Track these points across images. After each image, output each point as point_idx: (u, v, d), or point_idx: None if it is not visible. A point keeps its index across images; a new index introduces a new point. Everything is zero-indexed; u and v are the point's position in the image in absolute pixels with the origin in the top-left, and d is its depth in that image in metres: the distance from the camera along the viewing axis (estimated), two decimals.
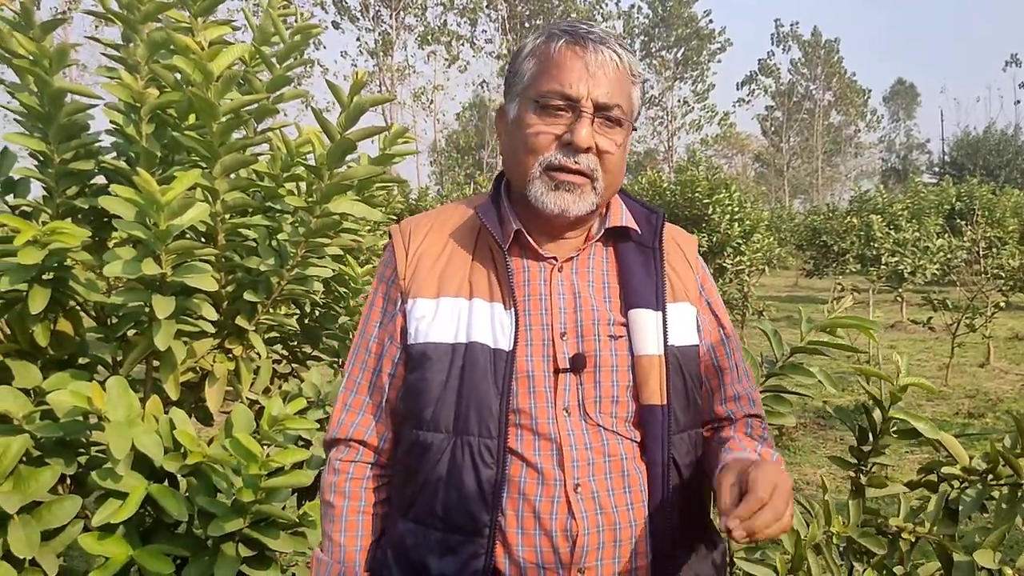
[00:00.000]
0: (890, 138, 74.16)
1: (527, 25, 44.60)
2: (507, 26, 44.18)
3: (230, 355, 2.50)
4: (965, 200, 22.46)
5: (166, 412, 2.22)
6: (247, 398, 2.51)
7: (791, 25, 60.98)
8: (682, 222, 14.21)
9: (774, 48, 61.31)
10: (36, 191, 2.51)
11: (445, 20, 40.32)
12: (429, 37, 39.81)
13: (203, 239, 2.43)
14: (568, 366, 1.41)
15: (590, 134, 1.40)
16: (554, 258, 1.48)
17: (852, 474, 2.29)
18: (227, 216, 2.37)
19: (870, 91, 65.17)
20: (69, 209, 2.40)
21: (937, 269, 14.64)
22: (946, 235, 16.60)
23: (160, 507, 2.09)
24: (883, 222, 16.02)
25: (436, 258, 1.49)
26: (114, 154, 2.51)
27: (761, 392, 2.19)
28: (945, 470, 2.13)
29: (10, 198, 2.44)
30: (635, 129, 1.51)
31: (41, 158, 2.37)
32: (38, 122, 2.32)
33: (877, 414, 2.24)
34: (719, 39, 54.09)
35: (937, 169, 50.34)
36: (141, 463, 2.12)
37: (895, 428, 2.23)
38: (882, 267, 14.42)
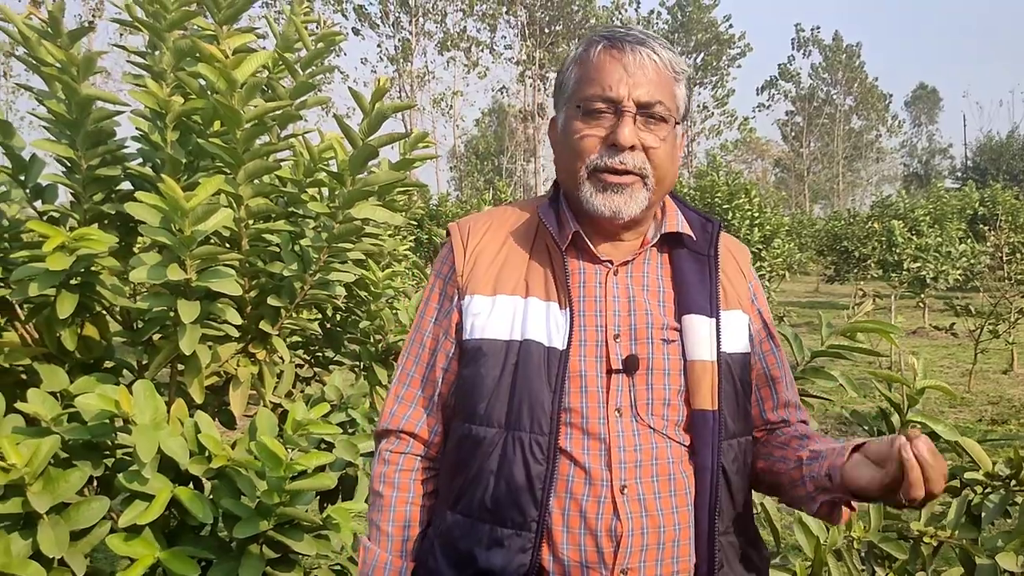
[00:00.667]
0: (912, 143, 73.70)
1: (546, 31, 44.64)
2: (526, 32, 44.23)
3: (254, 359, 2.52)
4: (988, 205, 22.29)
5: (191, 415, 2.25)
6: (270, 402, 2.53)
7: (812, 30, 60.79)
8: None
9: (794, 53, 60.96)
10: (63, 196, 2.55)
11: (465, 26, 40.46)
12: (449, 43, 39.94)
13: (227, 244, 2.45)
14: (621, 367, 1.42)
15: (633, 132, 1.41)
16: (610, 261, 1.50)
17: None
18: (251, 221, 2.40)
19: (891, 96, 64.82)
20: (96, 215, 2.44)
21: (960, 275, 14.53)
22: (969, 240, 16.49)
23: (185, 509, 2.12)
24: (905, 227, 15.93)
25: (494, 256, 1.52)
26: (139, 160, 2.55)
27: None
28: (968, 475, 2.13)
29: (39, 204, 2.48)
30: (678, 124, 1.51)
31: (69, 164, 2.41)
32: (66, 129, 2.35)
33: (895, 418, 2.24)
34: (739, 44, 53.98)
35: (960, 174, 50.00)
36: (167, 466, 2.15)
37: None
38: (904, 273, 14.33)
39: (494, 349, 1.44)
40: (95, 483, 2.33)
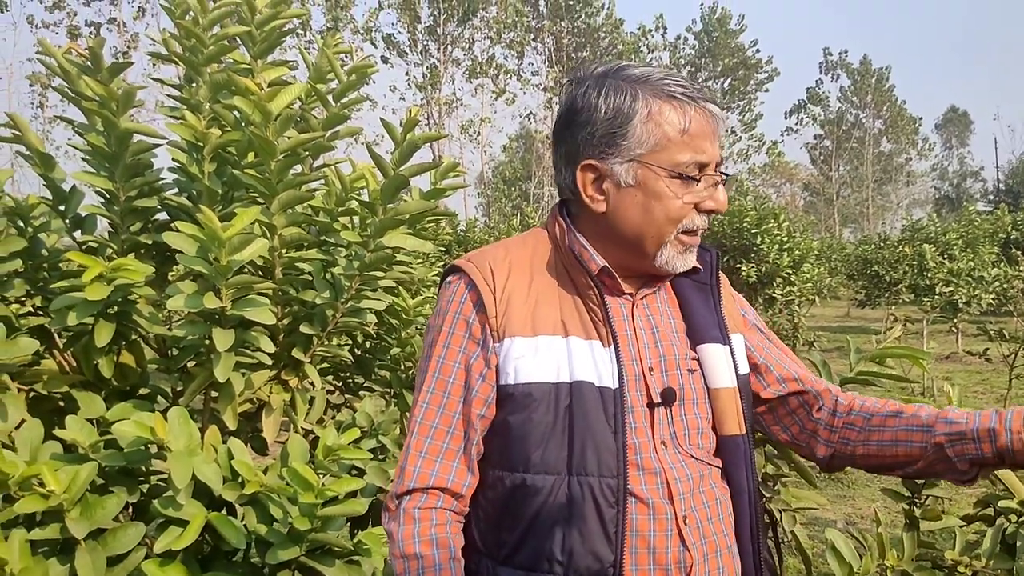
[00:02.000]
0: (943, 166, 73.13)
1: (573, 57, 44.84)
2: (553, 58, 44.48)
3: (286, 386, 2.56)
4: (1021, 228, 22.03)
5: (224, 442, 2.28)
6: (302, 428, 2.56)
7: (840, 54, 60.61)
8: (730, 252, 14.13)
9: (823, 76, 60.78)
10: (102, 226, 2.60)
11: (492, 53, 40.74)
12: (476, 70, 40.24)
13: (261, 273, 2.49)
14: (660, 400, 1.45)
15: (724, 197, 1.49)
16: (631, 294, 1.53)
17: (906, 507, 2.27)
18: (284, 250, 2.44)
19: (921, 119, 64.39)
20: (133, 245, 2.49)
21: (993, 299, 14.35)
22: (1002, 264, 16.29)
23: (219, 535, 2.14)
24: (936, 251, 15.78)
25: (526, 296, 1.47)
26: (176, 191, 2.60)
27: None
28: (1002, 504, 2.11)
29: (78, 234, 2.53)
30: None
31: (107, 196, 2.47)
32: (105, 161, 2.41)
33: None
34: (766, 68, 53.92)
35: (992, 197, 49.46)
36: (200, 492, 2.18)
37: None
38: (936, 297, 14.18)
39: (543, 393, 1.40)
40: (130, 509, 2.36)
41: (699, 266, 1.57)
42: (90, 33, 31.07)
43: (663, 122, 1.42)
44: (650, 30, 50.04)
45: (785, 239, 13.74)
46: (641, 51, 48.52)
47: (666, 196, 1.43)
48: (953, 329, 14.49)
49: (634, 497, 1.38)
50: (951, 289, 14.13)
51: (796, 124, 60.70)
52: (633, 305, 1.51)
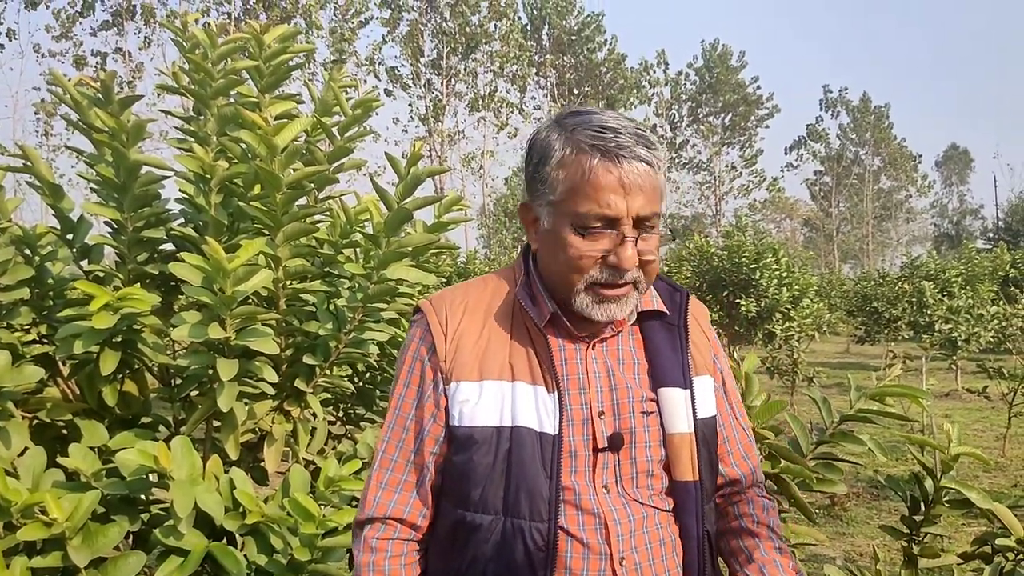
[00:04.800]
0: (943, 203, 73.33)
1: (575, 91, 45.19)
2: (556, 93, 44.82)
3: (288, 416, 2.57)
4: (1020, 267, 22.07)
5: (225, 471, 2.29)
6: (303, 458, 2.57)
7: (840, 91, 61.05)
8: (729, 287, 14.17)
9: (823, 113, 61.14)
10: (108, 256, 2.63)
11: (495, 87, 41.02)
12: (479, 104, 40.51)
13: (265, 304, 2.52)
14: (607, 445, 1.45)
15: (634, 254, 1.41)
16: (587, 336, 1.51)
17: (905, 544, 2.28)
18: (288, 282, 2.46)
19: (920, 156, 64.69)
20: (139, 274, 2.51)
21: (992, 337, 14.36)
22: (1001, 302, 16.31)
23: (219, 565, 2.15)
24: (936, 288, 15.81)
25: (476, 339, 1.50)
26: (182, 221, 2.63)
27: (811, 459, 2.20)
28: (1000, 542, 2.11)
29: (85, 263, 2.56)
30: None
31: (115, 226, 2.49)
32: (114, 192, 2.44)
33: (929, 483, 2.24)
34: (767, 105, 54.29)
35: (991, 235, 49.57)
36: (202, 521, 2.19)
37: (948, 498, 2.22)
38: (935, 334, 14.19)
39: (485, 436, 1.43)
40: (131, 538, 2.36)
41: (664, 310, 1.56)
42: (96, 63, 31.31)
43: (573, 171, 1.41)
44: (652, 66, 50.46)
45: (784, 274, 13.78)
46: (643, 86, 48.89)
47: (567, 246, 1.42)
48: (952, 366, 14.48)
49: (570, 536, 1.40)
50: (950, 326, 14.15)
51: (796, 160, 60.99)
52: (591, 348, 1.51)
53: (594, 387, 1.48)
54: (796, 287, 13.84)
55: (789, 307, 13.48)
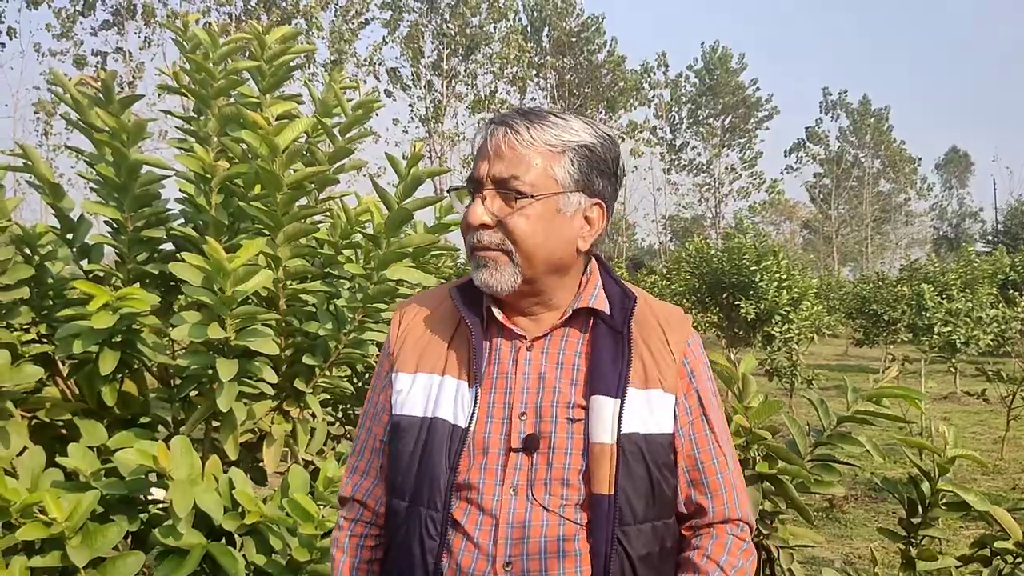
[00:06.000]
0: (942, 206, 73.33)
1: (575, 93, 45.21)
2: (556, 94, 44.84)
3: (288, 416, 2.57)
4: (1019, 270, 22.07)
5: (224, 472, 2.29)
6: (302, 459, 2.57)
7: (839, 93, 61.07)
8: (729, 289, 14.16)
9: (822, 116, 61.11)
10: (108, 255, 2.63)
11: (495, 88, 41.04)
12: (479, 105, 40.52)
13: (265, 304, 2.52)
14: (520, 446, 1.44)
15: (478, 212, 1.44)
16: (524, 336, 1.51)
17: (903, 547, 2.28)
18: (288, 282, 2.47)
19: (919, 159, 64.66)
20: (139, 274, 2.51)
21: (991, 340, 14.35)
22: (1000, 305, 16.31)
23: (218, 565, 2.15)
24: (935, 291, 15.80)
25: (421, 335, 1.56)
26: (182, 221, 2.63)
27: (809, 461, 2.20)
28: (998, 544, 2.12)
29: (85, 263, 2.56)
30: (559, 195, 1.45)
31: (115, 225, 2.50)
32: (114, 191, 2.44)
33: (926, 486, 2.24)
34: (766, 107, 54.31)
35: (991, 238, 49.61)
36: (200, 521, 2.19)
37: (945, 500, 2.22)
38: (934, 337, 14.19)
39: (411, 425, 1.49)
40: (130, 538, 2.37)
41: (603, 309, 1.51)
42: (96, 62, 31.31)
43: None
44: (652, 68, 50.47)
45: (784, 276, 13.77)
46: (643, 88, 48.90)
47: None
48: (951, 369, 14.48)
49: (464, 535, 1.42)
50: (949, 329, 14.14)
51: (796, 162, 60.99)
52: (527, 348, 1.50)
53: (520, 387, 1.47)
54: (796, 289, 13.83)
55: (788, 309, 13.47)
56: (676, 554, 1.50)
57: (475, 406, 1.45)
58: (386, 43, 37.87)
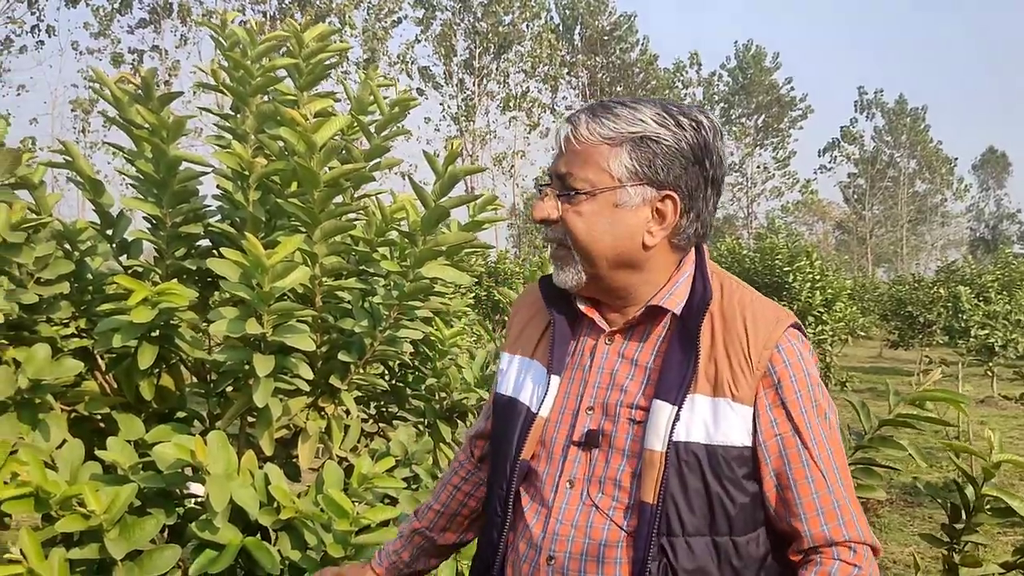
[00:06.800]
0: (979, 207, 72.39)
1: (607, 92, 45.08)
2: (587, 93, 44.76)
3: (323, 413, 2.58)
4: None
5: (260, 467, 2.30)
6: (337, 456, 2.58)
7: (875, 92, 60.46)
8: (761, 290, 14.04)
9: (857, 115, 60.51)
10: (147, 251, 2.65)
11: (527, 87, 41.04)
12: (511, 103, 40.54)
13: (301, 301, 2.53)
14: (581, 440, 1.43)
15: (540, 207, 1.45)
16: (605, 331, 1.49)
17: (945, 552, 2.24)
18: (324, 279, 2.47)
19: (956, 159, 63.91)
20: (177, 270, 2.53)
21: None
22: None
23: (253, 560, 2.16)
24: (972, 293, 15.58)
25: (525, 318, 1.61)
26: (219, 218, 2.65)
27: (849, 464, 2.17)
28: None
29: (124, 258, 2.58)
30: (617, 189, 1.41)
31: (154, 221, 2.52)
32: (153, 187, 2.46)
33: (970, 491, 2.20)
34: (800, 106, 53.90)
35: None
36: (236, 516, 2.20)
37: (989, 506, 2.18)
38: (971, 340, 13.99)
39: (500, 403, 1.57)
40: (166, 531, 2.38)
41: (671, 308, 1.44)
42: (133, 60, 31.70)
43: None
44: (684, 66, 50.24)
45: (817, 277, 13.65)
46: (675, 87, 48.69)
47: None
48: (989, 373, 14.27)
49: (524, 520, 1.46)
50: (987, 332, 13.94)
51: (830, 162, 60.44)
52: (607, 341, 1.48)
53: (592, 382, 1.46)
54: (829, 290, 13.70)
55: (822, 310, 13.35)
56: (758, 574, 1.40)
57: (546, 393, 1.47)
58: (418, 41, 38.04)
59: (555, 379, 1.47)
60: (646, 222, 1.41)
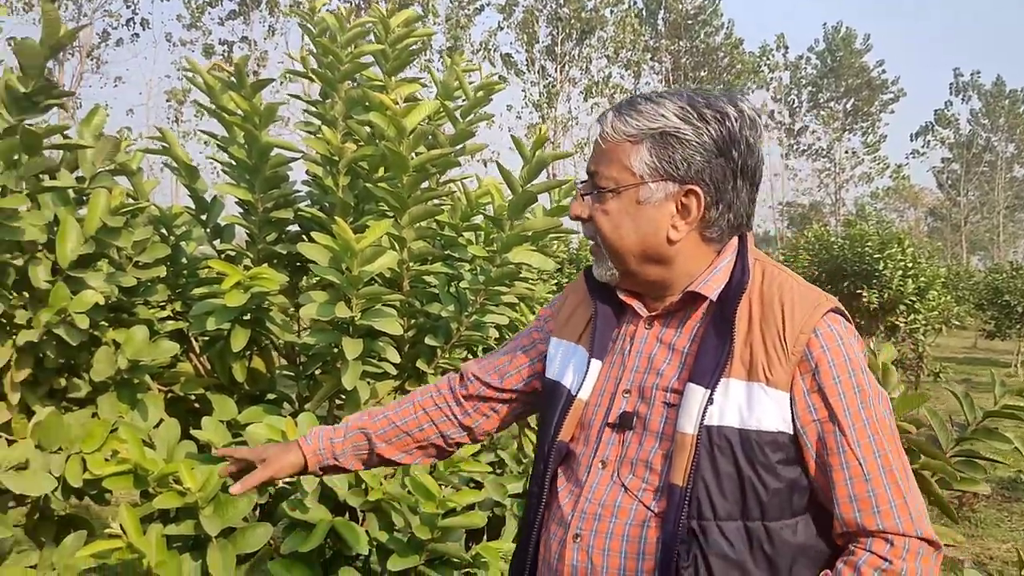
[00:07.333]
0: None
1: (691, 77, 44.48)
2: (671, 78, 44.23)
3: None
4: None
5: None
6: None
7: (972, 74, 58.30)
8: (851, 277, 13.71)
9: (952, 98, 58.43)
10: (239, 236, 2.71)
11: (609, 73, 40.71)
12: (592, 90, 40.29)
13: (388, 285, 2.55)
14: (616, 422, 1.45)
15: (575, 206, 1.49)
16: (642, 317, 1.50)
17: None
18: (412, 263, 2.49)
19: None
20: (268, 254, 2.58)
21: None
22: None
23: (341, 539, 2.19)
24: None
25: (574, 306, 1.63)
26: (307, 203, 2.68)
27: (952, 457, 2.09)
28: None
29: (217, 243, 2.64)
30: (638, 186, 1.41)
31: (246, 207, 2.56)
32: (245, 173, 2.51)
33: None
34: (892, 89, 52.30)
35: None
36: (325, 496, 2.23)
37: None
38: None
39: (546, 386, 1.60)
40: (258, 510, 2.44)
41: (707, 295, 1.43)
42: (223, 51, 32.48)
43: None
44: (771, 49, 49.24)
45: (910, 265, 13.26)
46: (761, 70, 47.76)
47: None
48: None
49: (558, 499, 1.49)
50: None
51: (922, 147, 58.57)
52: (646, 327, 1.50)
53: (630, 366, 1.48)
54: (922, 279, 13.30)
55: (914, 299, 12.98)
56: (794, 562, 1.37)
57: (585, 376, 1.50)
58: (501, 29, 38.03)
59: (596, 363, 1.51)
60: (670, 217, 1.42)
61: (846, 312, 1.46)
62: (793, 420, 1.37)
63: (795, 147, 52.54)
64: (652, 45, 44.16)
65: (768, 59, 48.89)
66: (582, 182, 1.51)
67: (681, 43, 44.76)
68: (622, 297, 1.52)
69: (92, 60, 30.99)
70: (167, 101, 33.92)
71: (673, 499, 1.34)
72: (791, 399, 1.37)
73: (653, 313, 1.49)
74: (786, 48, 49.78)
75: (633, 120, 1.40)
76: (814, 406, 1.37)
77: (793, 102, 52.37)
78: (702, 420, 1.35)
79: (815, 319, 1.38)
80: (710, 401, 1.35)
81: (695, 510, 1.33)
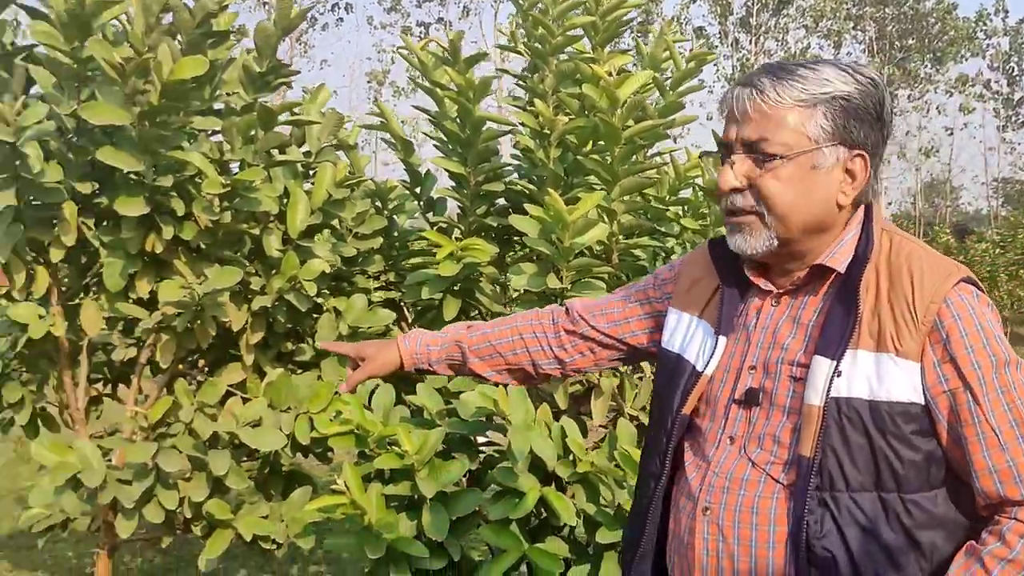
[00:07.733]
0: None
1: (895, 46, 42.06)
2: (874, 47, 41.98)
3: (617, 371, 2.59)
4: None
5: (556, 420, 2.36)
6: (628, 414, 2.59)
7: None
8: None
9: None
10: (451, 208, 2.78)
11: (808, 44, 39.11)
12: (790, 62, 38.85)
13: (596, 257, 2.54)
14: (742, 399, 1.45)
15: (728, 176, 1.41)
16: (770, 292, 1.49)
17: None
18: (621, 236, 2.47)
19: None
20: (479, 226, 2.63)
21: None
22: None
23: (549, 509, 2.22)
24: None
25: (695, 279, 1.61)
26: (515, 176, 2.72)
27: None
28: None
29: (430, 215, 2.72)
30: (814, 151, 1.37)
31: (458, 180, 2.62)
32: (458, 147, 2.56)
33: None
34: None
35: None
36: (535, 467, 2.26)
37: None
38: None
39: (667, 358, 1.58)
40: (467, 476, 2.50)
41: (836, 268, 1.41)
42: (420, 32, 33.47)
43: None
44: (988, 14, 45.81)
45: None
46: (976, 37, 44.55)
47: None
48: None
49: (685, 473, 1.49)
50: None
51: None
52: (772, 303, 1.48)
53: (756, 341, 1.46)
54: None
55: None
56: (934, 533, 1.37)
57: (712, 353, 1.49)
58: (694, 1, 37.25)
59: (722, 339, 1.50)
60: (839, 183, 1.41)
61: (978, 282, 1.43)
62: (924, 391, 1.35)
63: (1013, 119, 48.73)
64: (855, 13, 42.03)
65: (985, 24, 45.48)
66: (725, 152, 1.45)
67: (887, 10, 42.35)
68: (749, 274, 1.50)
69: (300, 44, 32.66)
70: (368, 83, 35.33)
71: (801, 471, 1.36)
72: (921, 369, 1.35)
73: (781, 290, 1.48)
74: (1006, 12, 46.12)
75: (800, 84, 1.38)
76: (946, 376, 1.35)
77: (1012, 70, 48.52)
78: (828, 392, 1.34)
79: (946, 288, 1.36)
80: (837, 373, 1.34)
81: (826, 482, 1.34)
